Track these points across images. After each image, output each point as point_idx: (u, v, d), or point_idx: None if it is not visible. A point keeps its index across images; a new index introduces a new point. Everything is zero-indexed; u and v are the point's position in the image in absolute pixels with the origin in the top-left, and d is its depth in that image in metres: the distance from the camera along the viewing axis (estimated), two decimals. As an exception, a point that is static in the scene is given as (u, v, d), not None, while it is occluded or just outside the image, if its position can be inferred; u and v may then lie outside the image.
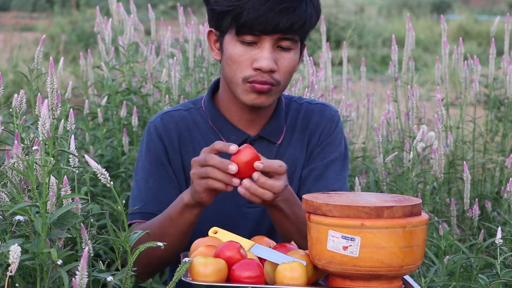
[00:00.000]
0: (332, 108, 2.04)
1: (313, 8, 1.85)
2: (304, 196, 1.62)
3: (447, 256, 2.18)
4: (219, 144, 1.68)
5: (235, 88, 1.88)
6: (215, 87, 2.01)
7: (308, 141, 2.00)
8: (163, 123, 1.97)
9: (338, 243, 1.54)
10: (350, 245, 1.53)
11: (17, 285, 1.55)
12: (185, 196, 1.77)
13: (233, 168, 1.65)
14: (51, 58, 1.67)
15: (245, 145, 1.69)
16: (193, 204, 1.75)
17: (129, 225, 1.85)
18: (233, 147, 1.66)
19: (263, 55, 1.82)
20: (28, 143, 1.71)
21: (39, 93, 1.68)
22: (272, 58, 1.83)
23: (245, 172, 1.67)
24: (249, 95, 1.86)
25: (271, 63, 1.82)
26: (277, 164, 1.67)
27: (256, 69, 1.83)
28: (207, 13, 1.92)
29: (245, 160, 1.67)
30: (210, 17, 1.91)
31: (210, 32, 1.92)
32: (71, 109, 1.88)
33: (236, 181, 1.66)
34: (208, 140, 1.94)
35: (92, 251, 1.62)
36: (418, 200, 1.60)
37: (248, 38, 1.82)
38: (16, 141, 1.68)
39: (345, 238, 1.53)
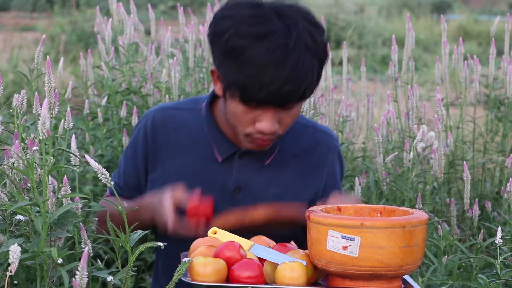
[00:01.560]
0: (335, 137, 2.02)
1: (319, 70, 1.77)
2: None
3: (446, 256, 2.18)
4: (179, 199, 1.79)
5: (236, 133, 1.85)
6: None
7: (313, 172, 1.97)
8: (154, 121, 1.96)
9: (337, 243, 1.54)
10: (350, 245, 1.53)
11: (15, 282, 1.55)
12: (148, 217, 1.84)
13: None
14: (48, 57, 1.68)
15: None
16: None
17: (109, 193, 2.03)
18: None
19: (267, 117, 1.76)
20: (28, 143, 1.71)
21: (36, 93, 1.68)
22: (275, 119, 1.78)
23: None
24: (249, 144, 1.84)
25: (274, 126, 1.77)
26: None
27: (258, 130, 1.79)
28: (212, 52, 1.82)
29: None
30: (214, 60, 1.82)
31: (213, 71, 1.83)
32: (69, 108, 1.88)
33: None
34: (196, 145, 1.93)
35: (91, 251, 1.63)
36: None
37: (253, 104, 1.76)
38: (16, 140, 1.68)
39: (344, 238, 1.53)
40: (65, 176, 1.64)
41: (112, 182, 1.52)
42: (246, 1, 1.77)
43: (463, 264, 2.27)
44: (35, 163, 1.57)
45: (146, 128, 1.96)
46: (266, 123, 1.76)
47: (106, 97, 3.19)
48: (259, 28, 1.71)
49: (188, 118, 1.95)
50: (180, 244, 1.79)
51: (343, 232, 1.53)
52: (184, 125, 1.95)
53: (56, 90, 1.69)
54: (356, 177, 2.68)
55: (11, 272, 1.27)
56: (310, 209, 1.66)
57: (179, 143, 1.94)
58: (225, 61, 1.75)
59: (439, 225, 2.53)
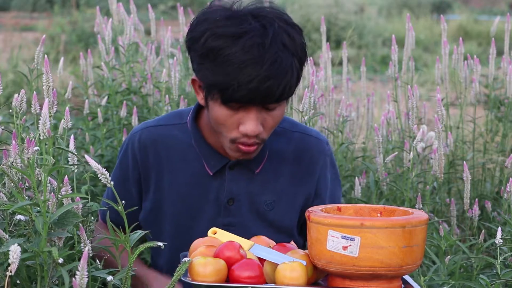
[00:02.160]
0: (324, 140, 2.01)
1: (298, 68, 1.77)
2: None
3: (448, 256, 2.18)
4: None
5: (221, 141, 1.84)
6: (200, 105, 1.94)
7: (304, 177, 1.96)
8: (141, 141, 1.95)
9: (337, 243, 1.54)
10: (350, 245, 1.53)
11: (17, 281, 1.55)
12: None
13: None
14: (46, 56, 1.68)
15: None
16: None
17: (101, 216, 2.04)
18: None
19: (250, 118, 1.76)
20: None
21: (34, 92, 1.68)
22: (259, 121, 1.77)
23: None
24: (235, 153, 1.84)
25: (258, 127, 1.77)
26: None
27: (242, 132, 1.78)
28: (190, 58, 1.82)
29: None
30: (192, 66, 1.82)
31: (194, 80, 1.84)
32: (67, 107, 1.88)
33: None
34: (186, 160, 1.92)
35: (91, 251, 1.63)
36: None
37: (234, 105, 1.76)
38: (14, 141, 1.68)
39: (344, 238, 1.53)
40: (66, 176, 1.64)
41: (112, 182, 1.52)
42: (221, 6, 1.79)
43: (464, 264, 2.27)
44: (35, 162, 1.57)
45: (134, 150, 1.95)
46: (249, 124, 1.76)
47: (106, 97, 3.19)
48: (235, 28, 1.72)
49: (176, 134, 1.95)
50: None
51: (343, 232, 1.54)
52: (173, 142, 1.94)
53: (55, 89, 1.69)
54: (356, 177, 2.68)
55: (11, 272, 1.27)
56: (310, 209, 1.66)
57: (170, 161, 1.94)
58: (203, 64, 1.76)
59: (440, 225, 2.53)
